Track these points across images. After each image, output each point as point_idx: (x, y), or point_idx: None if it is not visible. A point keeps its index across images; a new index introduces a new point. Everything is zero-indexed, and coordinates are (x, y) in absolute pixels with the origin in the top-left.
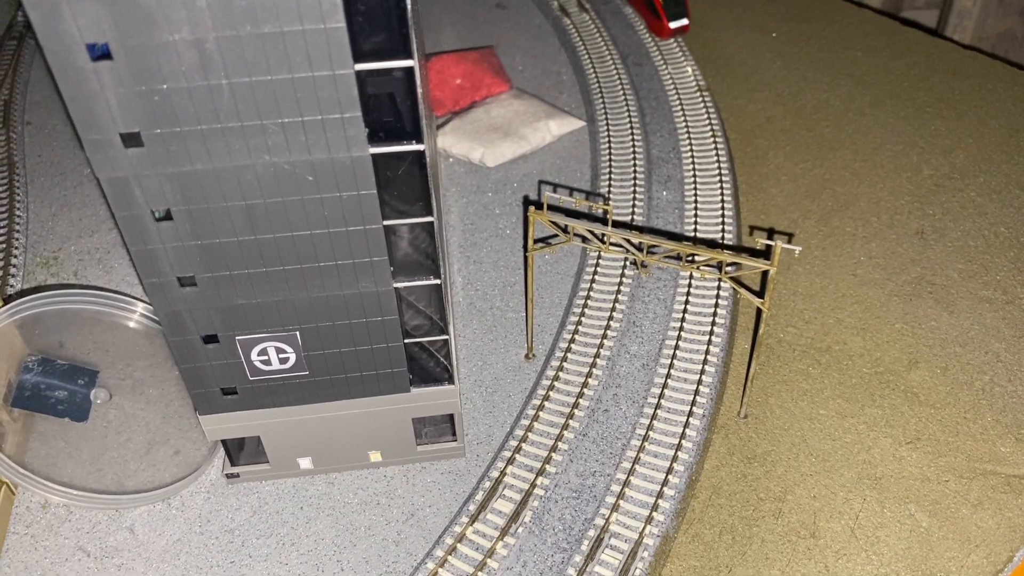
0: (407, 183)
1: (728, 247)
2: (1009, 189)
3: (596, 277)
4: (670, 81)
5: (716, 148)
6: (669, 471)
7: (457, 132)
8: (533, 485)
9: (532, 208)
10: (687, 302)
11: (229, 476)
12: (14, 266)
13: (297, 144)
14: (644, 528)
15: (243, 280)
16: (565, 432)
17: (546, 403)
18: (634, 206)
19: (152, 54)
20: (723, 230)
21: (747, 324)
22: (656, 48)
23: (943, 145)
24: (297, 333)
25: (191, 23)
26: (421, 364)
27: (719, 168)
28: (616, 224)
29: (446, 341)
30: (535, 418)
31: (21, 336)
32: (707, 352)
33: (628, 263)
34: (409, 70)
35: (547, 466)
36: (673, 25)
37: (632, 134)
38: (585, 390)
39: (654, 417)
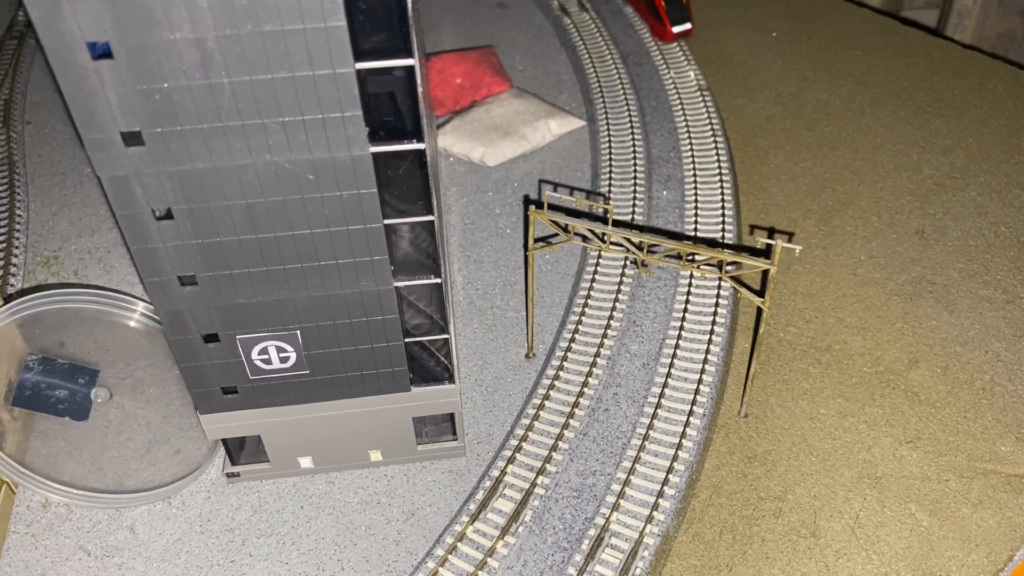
0: (408, 182)
1: (728, 246)
2: (1009, 188)
3: (596, 276)
4: (670, 81)
5: (716, 147)
6: (669, 470)
7: (457, 131)
8: (533, 484)
9: (532, 207)
10: (687, 301)
11: (229, 475)
12: (14, 265)
13: (298, 143)
14: (644, 527)
15: (244, 279)
16: (565, 431)
17: (546, 402)
18: (634, 205)
19: (153, 53)
20: (723, 229)
21: (747, 323)
22: (656, 48)
23: (943, 144)
24: (298, 332)
25: (192, 22)
26: (421, 363)
27: (719, 167)
28: (616, 223)
29: (446, 340)
30: (535, 417)
31: (21, 335)
32: (707, 351)
33: (628, 262)
34: (410, 69)
35: (547, 465)
36: (676, 29)
37: (632, 133)
38: (585, 389)
39: (654, 416)
